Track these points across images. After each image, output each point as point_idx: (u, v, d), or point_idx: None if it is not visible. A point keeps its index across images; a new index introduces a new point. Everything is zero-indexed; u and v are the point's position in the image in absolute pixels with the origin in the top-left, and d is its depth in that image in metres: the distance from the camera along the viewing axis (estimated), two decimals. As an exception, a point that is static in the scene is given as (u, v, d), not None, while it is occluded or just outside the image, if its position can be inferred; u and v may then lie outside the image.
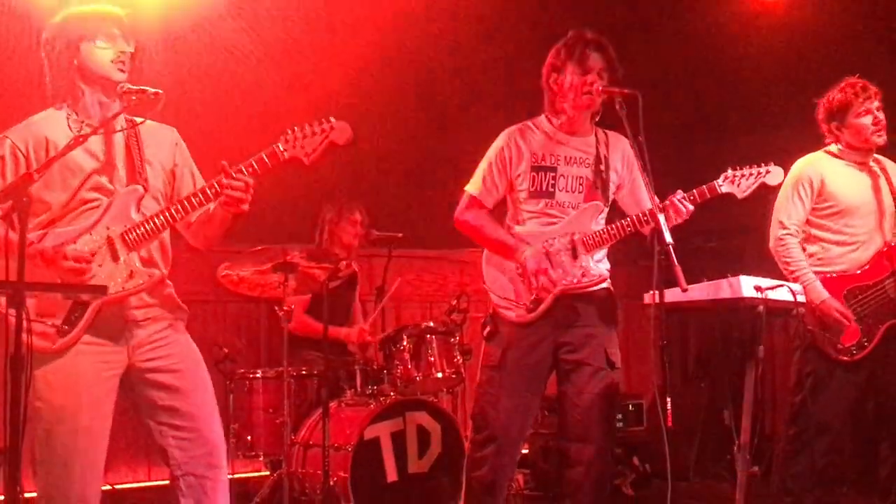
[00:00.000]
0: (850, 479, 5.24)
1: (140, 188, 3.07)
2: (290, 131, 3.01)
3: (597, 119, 3.92)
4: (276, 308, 4.79)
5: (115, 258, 3.00)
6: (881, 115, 4.25)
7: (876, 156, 4.39)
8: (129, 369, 3.09)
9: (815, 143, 4.47)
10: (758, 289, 3.49)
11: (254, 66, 5.89)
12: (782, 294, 3.57)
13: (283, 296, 4.65)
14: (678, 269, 3.27)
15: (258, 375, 5.05)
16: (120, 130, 3.07)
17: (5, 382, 2.61)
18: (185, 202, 3.02)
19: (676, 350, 6.61)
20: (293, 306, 4.82)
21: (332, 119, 3.04)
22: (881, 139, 4.27)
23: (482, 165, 3.94)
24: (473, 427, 3.91)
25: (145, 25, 4.73)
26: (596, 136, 3.91)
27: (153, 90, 3.00)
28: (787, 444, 4.26)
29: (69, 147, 2.85)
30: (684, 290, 3.29)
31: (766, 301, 3.47)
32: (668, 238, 3.32)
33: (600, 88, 3.71)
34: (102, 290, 2.84)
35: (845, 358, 4.14)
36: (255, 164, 3.00)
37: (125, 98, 3.04)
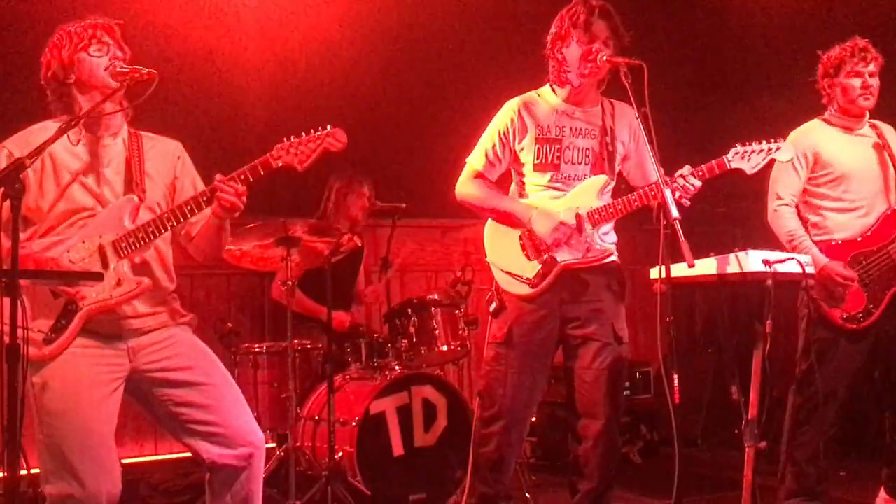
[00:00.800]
0: (856, 446, 5.26)
1: (135, 198, 3.07)
2: (285, 140, 3.03)
3: (602, 88, 3.85)
4: (279, 282, 4.76)
5: (105, 266, 2.98)
6: (873, 81, 4.21)
7: (873, 121, 4.34)
8: (134, 374, 3.06)
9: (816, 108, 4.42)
10: (766, 262, 3.42)
11: (253, 36, 5.83)
12: (791, 266, 3.50)
13: (286, 270, 4.62)
14: (685, 245, 3.21)
15: (262, 350, 5.02)
16: (113, 112, 3.06)
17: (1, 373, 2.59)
18: (177, 210, 3.02)
19: (683, 318, 6.57)
20: (294, 281, 4.77)
21: (329, 127, 3.04)
22: (867, 103, 4.22)
23: (484, 138, 3.86)
24: (481, 404, 3.88)
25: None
26: (602, 106, 3.84)
27: (146, 70, 2.99)
28: (794, 413, 4.23)
29: (62, 130, 2.83)
30: (691, 267, 3.23)
31: (774, 275, 3.40)
32: (675, 213, 3.27)
33: (605, 58, 3.63)
34: (98, 276, 2.81)
35: (852, 326, 4.11)
36: (248, 173, 3.01)
37: (118, 78, 3.00)
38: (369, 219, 5.80)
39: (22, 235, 2.81)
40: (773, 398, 4.42)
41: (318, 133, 3.04)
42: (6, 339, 2.56)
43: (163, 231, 3.03)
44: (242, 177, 3.01)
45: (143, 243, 3.01)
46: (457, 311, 5.07)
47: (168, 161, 3.22)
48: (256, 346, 5.10)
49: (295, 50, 5.95)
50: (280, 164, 3.03)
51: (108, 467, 2.97)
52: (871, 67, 4.19)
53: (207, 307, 5.86)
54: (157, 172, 3.17)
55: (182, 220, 3.03)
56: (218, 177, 3.03)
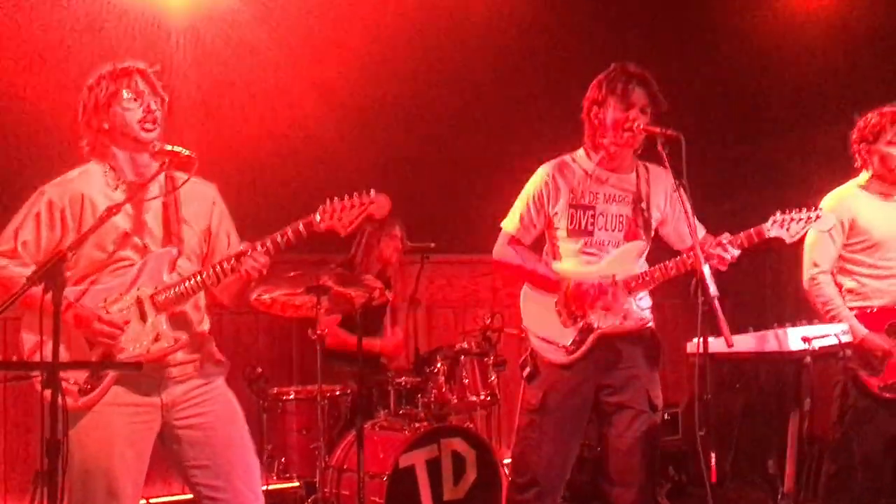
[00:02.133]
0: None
1: (174, 250, 3.06)
2: (328, 201, 3.01)
3: (638, 153, 3.81)
4: (310, 332, 4.76)
5: (143, 319, 2.99)
6: None
7: None
8: (163, 427, 3.08)
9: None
10: (805, 339, 3.39)
11: (283, 77, 5.83)
12: (829, 341, 3.46)
13: (317, 317, 4.63)
14: (723, 324, 3.19)
15: (291, 397, 5.02)
16: (156, 197, 3.05)
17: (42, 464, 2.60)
18: (218, 267, 3.00)
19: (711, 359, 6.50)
20: (326, 329, 4.78)
21: (373, 192, 3.02)
22: None
23: (519, 202, 3.84)
24: (514, 470, 3.86)
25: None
26: (637, 171, 3.81)
27: (186, 152, 2.98)
28: (828, 480, 4.19)
29: (101, 220, 2.84)
30: (730, 347, 3.20)
31: (812, 353, 3.37)
32: (714, 290, 3.24)
33: (642, 127, 3.60)
34: (137, 366, 2.80)
35: (889, 395, 4.06)
36: (290, 233, 2.99)
37: (157, 158, 3.00)
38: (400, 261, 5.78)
39: None
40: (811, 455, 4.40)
41: (363, 198, 3.02)
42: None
43: (201, 287, 3.03)
44: (285, 238, 2.98)
45: (181, 299, 3.02)
46: (486, 359, 5.05)
47: (204, 206, 3.21)
48: (285, 392, 5.09)
49: (326, 87, 5.94)
50: (323, 227, 3.01)
51: None
52: None
53: (237, 344, 5.87)
54: (193, 218, 3.16)
55: (221, 278, 3.02)
56: (244, 245, 3.02)
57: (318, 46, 5.90)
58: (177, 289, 2.99)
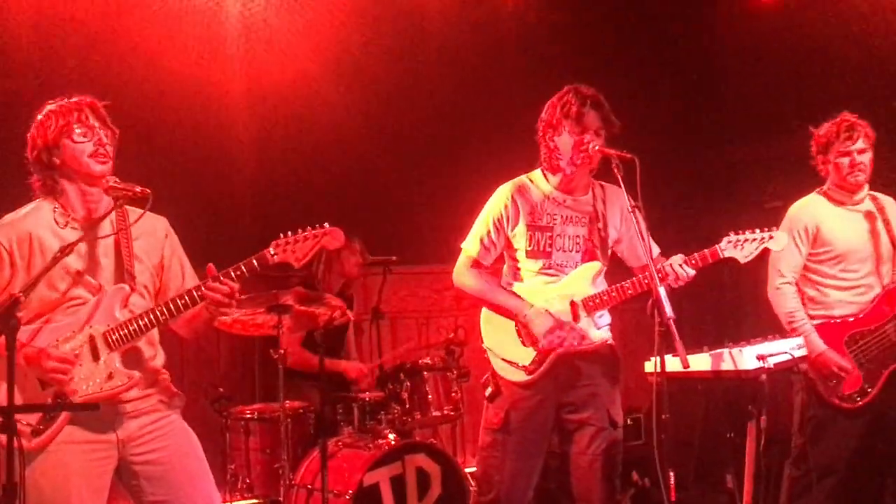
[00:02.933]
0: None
1: (126, 287, 3.03)
2: (282, 236, 3.00)
3: (594, 173, 3.85)
4: (272, 351, 4.75)
5: (96, 358, 2.96)
6: (862, 158, 4.21)
7: (874, 193, 4.34)
8: (120, 462, 3.05)
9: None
10: (760, 358, 3.44)
11: (241, 91, 5.80)
12: (784, 358, 3.52)
13: (279, 336, 4.62)
14: (680, 346, 3.24)
15: (254, 417, 5.00)
16: (108, 235, 3.02)
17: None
18: (171, 304, 2.98)
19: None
20: (288, 349, 4.77)
21: (326, 225, 3.01)
22: (858, 179, 4.23)
23: (478, 223, 3.86)
24: (478, 488, 3.90)
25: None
26: (593, 191, 3.84)
27: (139, 188, 2.95)
28: (790, 486, 4.25)
29: (55, 260, 2.83)
30: (686, 368, 3.25)
31: (767, 371, 3.42)
32: (670, 312, 3.28)
33: (597, 148, 3.64)
34: (94, 407, 2.79)
35: (848, 405, 4.12)
36: (243, 268, 2.97)
37: (111, 194, 2.98)
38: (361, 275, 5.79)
39: None
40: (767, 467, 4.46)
41: (316, 231, 3.02)
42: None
43: (153, 325, 3.00)
44: (237, 272, 2.97)
45: (134, 336, 2.99)
46: (449, 374, 5.06)
47: (156, 240, 3.19)
48: (247, 410, 5.07)
49: (282, 103, 5.91)
50: (276, 260, 3.00)
51: None
52: (860, 144, 4.19)
53: (199, 361, 5.81)
54: (145, 254, 3.13)
55: (175, 315, 3.00)
56: (210, 267, 2.98)
57: (276, 59, 5.87)
58: (130, 326, 2.97)
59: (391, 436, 4.83)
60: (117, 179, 2.99)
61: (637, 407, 6.41)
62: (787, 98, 6.19)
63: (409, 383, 4.96)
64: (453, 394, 5.04)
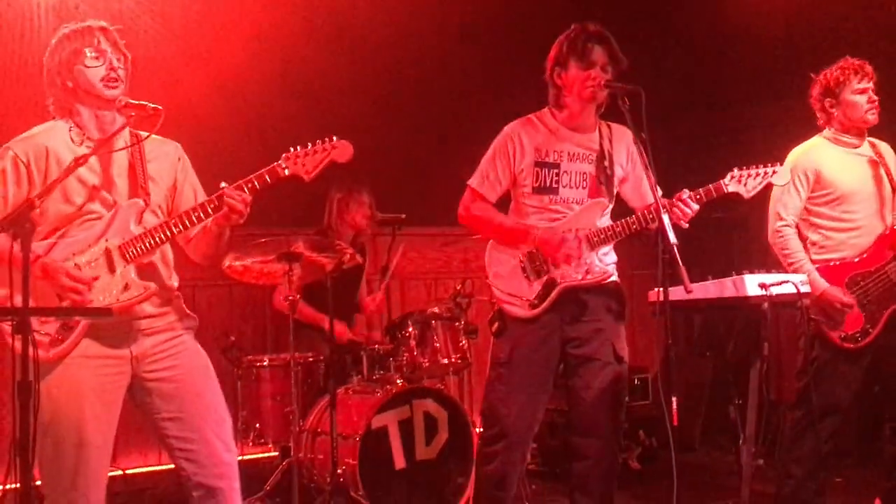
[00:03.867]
0: (855, 456, 5.29)
1: (141, 202, 3.07)
2: (292, 149, 3.03)
3: (601, 112, 3.87)
4: (283, 298, 4.79)
5: (112, 270, 2.99)
6: (875, 97, 4.23)
7: (871, 139, 4.35)
8: (134, 380, 3.09)
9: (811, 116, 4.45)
10: (762, 286, 3.47)
11: (253, 55, 5.82)
12: (786, 289, 3.54)
13: (289, 285, 4.66)
14: (683, 271, 3.24)
15: (265, 364, 5.05)
16: (122, 149, 3.06)
17: (13, 402, 2.62)
18: (185, 217, 3.02)
19: (681, 325, 6.58)
20: (299, 296, 4.81)
21: (335, 138, 3.05)
22: (873, 117, 4.24)
23: (485, 161, 3.89)
24: (483, 422, 3.91)
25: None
26: (599, 130, 3.86)
27: (153, 106, 2.99)
28: (792, 427, 4.25)
29: (69, 170, 2.85)
30: (689, 293, 3.27)
31: (770, 298, 3.44)
32: (673, 238, 3.29)
33: (603, 83, 3.67)
34: (107, 312, 2.82)
35: (850, 345, 4.14)
36: (255, 181, 3.01)
37: (124, 112, 3.02)
38: (369, 230, 5.82)
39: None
40: (770, 404, 4.48)
41: (325, 144, 3.06)
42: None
43: (168, 238, 3.05)
44: (249, 185, 3.01)
45: (148, 249, 3.03)
46: (457, 324, 5.09)
47: (169, 163, 3.22)
48: (259, 359, 5.13)
49: (296, 62, 5.94)
50: (287, 174, 3.04)
51: (100, 481, 3.02)
52: (872, 84, 4.22)
53: (210, 317, 5.88)
54: (159, 175, 3.17)
55: (189, 226, 3.04)
56: (223, 185, 3.03)
57: (285, 24, 5.88)
58: (145, 240, 3.01)
59: (399, 381, 4.87)
60: (130, 99, 3.03)
61: (644, 367, 6.46)
62: (789, 62, 6.19)
63: (416, 332, 5.00)
64: (461, 343, 5.06)
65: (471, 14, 6.37)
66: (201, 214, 3.02)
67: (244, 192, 2.99)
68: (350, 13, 5.95)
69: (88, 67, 3.02)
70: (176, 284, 3.24)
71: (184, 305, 3.25)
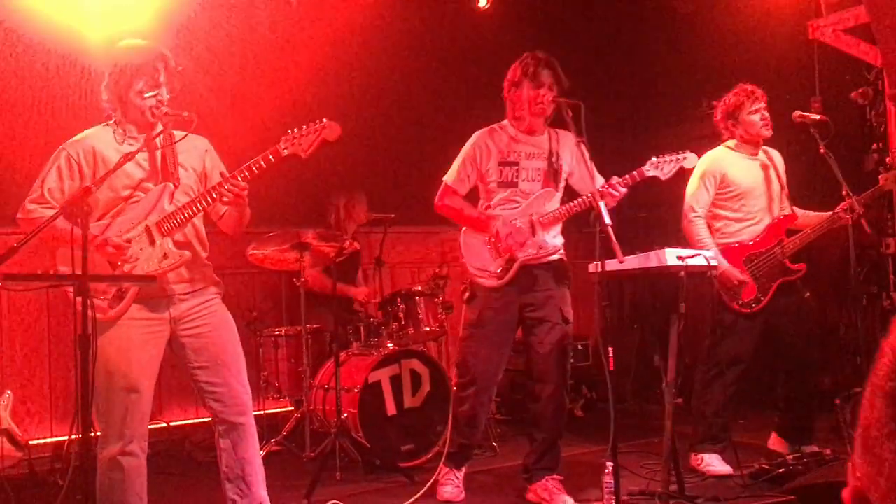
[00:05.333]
0: (751, 400, 5.31)
1: (171, 185, 3.03)
2: (289, 132, 2.98)
3: (548, 121, 3.88)
4: (295, 279, 4.76)
5: (152, 243, 2.96)
6: (766, 114, 4.26)
7: (765, 147, 4.38)
8: (171, 336, 3.06)
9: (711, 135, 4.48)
10: (679, 258, 3.46)
11: (263, 73, 5.75)
12: (699, 261, 3.54)
13: (301, 269, 4.63)
14: (616, 245, 3.25)
15: (281, 333, 5.02)
16: (160, 148, 3.03)
17: (76, 355, 2.59)
18: (206, 194, 2.99)
19: (614, 302, 6.57)
20: (309, 279, 4.78)
21: (325, 119, 3.00)
22: (768, 132, 4.26)
23: (458, 160, 3.90)
24: (458, 372, 3.90)
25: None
26: (549, 134, 3.87)
27: (186, 113, 2.96)
28: (702, 375, 4.28)
29: (119, 164, 2.83)
30: (621, 262, 3.27)
31: (686, 268, 3.44)
32: (608, 219, 3.30)
33: (550, 99, 3.67)
34: (152, 279, 2.79)
35: (745, 311, 4.17)
36: (261, 161, 2.96)
37: (165, 118, 2.99)
38: (364, 226, 5.81)
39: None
40: (686, 364, 4.49)
41: (316, 125, 2.99)
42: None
43: (196, 212, 3.00)
44: (257, 165, 2.94)
45: (182, 223, 2.99)
46: (436, 300, 5.06)
47: (197, 155, 3.16)
48: (276, 330, 5.09)
49: (294, 80, 5.80)
50: (286, 153, 2.96)
51: (144, 421, 2.99)
52: (763, 104, 4.25)
53: (236, 299, 5.81)
54: (188, 163, 3.11)
55: (210, 202, 2.99)
56: (223, 173, 3.01)
57: (285, 39, 5.79)
58: (178, 215, 2.97)
59: (390, 345, 4.84)
60: (169, 109, 2.99)
61: (586, 336, 6.46)
62: (695, 87, 6.24)
63: (404, 305, 4.96)
64: (439, 315, 5.04)
65: (451, 49, 6.35)
66: (219, 194, 2.97)
67: (252, 171, 2.94)
68: (350, 33, 5.84)
69: (142, 97, 2.96)
70: (207, 253, 3.19)
71: (213, 274, 3.19)
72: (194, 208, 2.98)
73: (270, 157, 2.97)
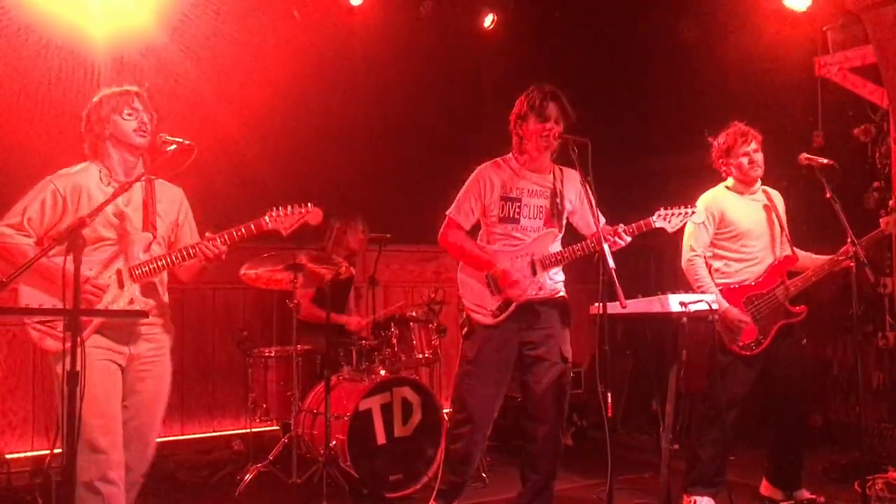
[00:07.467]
0: (749, 439, 5.28)
1: (150, 235, 3.11)
2: (275, 209, 3.14)
3: (554, 157, 3.82)
4: (287, 301, 4.67)
5: (121, 286, 3.02)
6: (757, 156, 4.21)
7: (765, 187, 4.34)
8: (124, 370, 3.08)
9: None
10: (682, 304, 3.42)
11: (273, 97, 5.67)
12: (701, 306, 3.49)
13: (294, 290, 4.54)
14: (619, 290, 3.20)
15: (272, 355, 4.92)
16: (137, 179, 3.06)
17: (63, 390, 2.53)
18: (182, 252, 3.08)
19: (608, 330, 6.52)
20: (301, 300, 4.69)
21: (310, 204, 3.16)
22: (756, 173, 4.23)
23: (461, 195, 3.83)
24: (453, 408, 3.83)
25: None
26: (553, 172, 3.81)
27: (188, 142, 2.96)
28: (700, 417, 4.22)
29: (107, 202, 2.87)
30: (623, 307, 3.21)
31: (688, 314, 3.39)
32: (611, 263, 3.25)
33: (556, 134, 3.61)
34: (143, 314, 2.75)
35: (746, 353, 4.11)
36: (243, 230, 3.09)
37: (164, 146, 2.98)
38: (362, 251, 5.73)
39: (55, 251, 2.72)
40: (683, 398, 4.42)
41: (301, 208, 3.17)
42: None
43: (170, 265, 3.10)
44: (238, 233, 3.08)
45: (152, 274, 3.08)
46: (430, 325, 5.00)
47: (174, 205, 3.26)
48: (266, 350, 5.00)
49: (291, 102, 5.73)
50: (269, 226, 3.14)
51: (117, 444, 2.98)
52: (754, 145, 4.20)
53: (227, 314, 5.75)
54: (165, 213, 3.21)
55: (184, 260, 3.09)
56: (207, 235, 3.10)
57: (278, 61, 5.72)
58: (150, 265, 3.05)
59: (382, 372, 4.77)
60: (167, 135, 2.99)
61: (579, 363, 6.39)
62: (700, 116, 6.21)
63: (397, 331, 4.91)
64: (433, 342, 4.98)
65: (451, 73, 6.31)
66: (190, 253, 3.06)
67: (218, 243, 3.05)
68: (345, 55, 5.80)
69: (125, 120, 3.06)
70: (167, 299, 3.24)
71: (170, 322, 3.24)
72: (168, 261, 3.06)
73: (253, 227, 3.09)
